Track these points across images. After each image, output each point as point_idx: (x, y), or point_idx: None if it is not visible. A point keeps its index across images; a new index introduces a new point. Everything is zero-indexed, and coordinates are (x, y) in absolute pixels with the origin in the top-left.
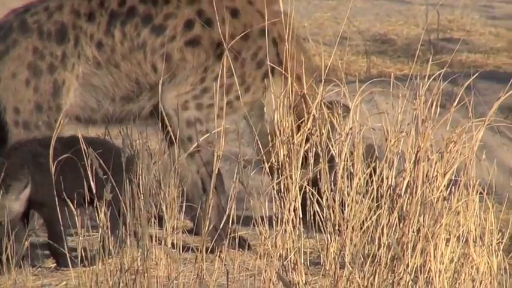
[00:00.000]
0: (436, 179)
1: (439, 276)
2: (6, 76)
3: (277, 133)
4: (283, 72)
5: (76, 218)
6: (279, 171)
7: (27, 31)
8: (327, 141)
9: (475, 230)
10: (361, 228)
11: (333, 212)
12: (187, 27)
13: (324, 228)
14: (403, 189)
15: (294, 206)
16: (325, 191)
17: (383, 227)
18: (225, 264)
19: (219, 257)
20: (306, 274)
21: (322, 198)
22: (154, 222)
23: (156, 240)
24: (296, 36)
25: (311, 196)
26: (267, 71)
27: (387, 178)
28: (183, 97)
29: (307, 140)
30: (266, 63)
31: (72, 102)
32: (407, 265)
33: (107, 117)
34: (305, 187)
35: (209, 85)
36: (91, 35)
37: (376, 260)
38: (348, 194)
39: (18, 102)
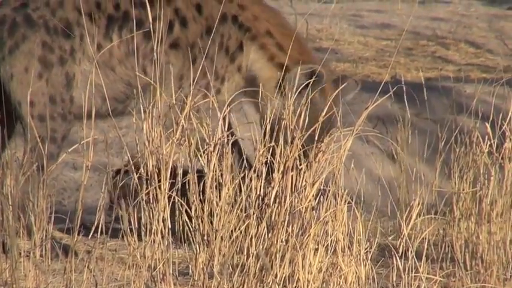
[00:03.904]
0: (305, 189)
1: (308, 286)
2: (18, 71)
3: (146, 143)
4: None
5: None
6: (148, 181)
7: (34, 26)
8: (196, 151)
9: (344, 239)
10: (229, 238)
11: (202, 222)
12: (170, 29)
13: (192, 238)
14: (272, 199)
15: (163, 217)
16: (193, 201)
17: (252, 237)
18: (93, 275)
19: (87, 267)
20: (174, 285)
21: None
22: (23, 234)
23: (24, 252)
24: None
25: (180, 206)
26: (233, 52)
27: (256, 188)
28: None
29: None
30: (232, 46)
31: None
32: (276, 275)
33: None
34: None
35: (187, 92)
36: (92, 35)
37: (244, 270)
38: (217, 204)
39: (33, 96)
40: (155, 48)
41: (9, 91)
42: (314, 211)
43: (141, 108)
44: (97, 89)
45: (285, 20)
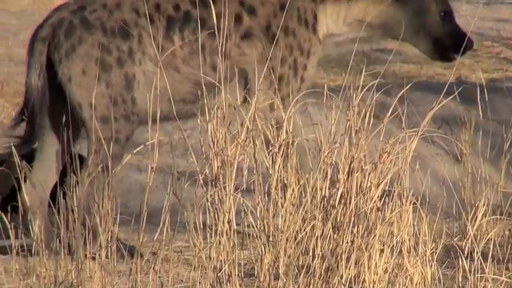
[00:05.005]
0: (370, 190)
1: (374, 287)
2: (76, 73)
3: (211, 145)
4: None
5: (10, 230)
6: (213, 182)
7: (90, 28)
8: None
9: (409, 240)
10: (295, 239)
11: (267, 223)
12: (238, 22)
13: (258, 239)
14: (337, 200)
15: (228, 218)
16: (258, 202)
17: (317, 238)
18: (159, 277)
19: (153, 269)
20: (240, 286)
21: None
22: (88, 235)
23: (90, 253)
24: None
25: (245, 207)
26: (313, 24)
27: (321, 189)
28: (265, 95)
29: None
30: (309, 19)
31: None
32: (342, 276)
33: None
34: None
35: (282, 71)
36: (153, 36)
37: (310, 271)
38: (282, 205)
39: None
40: (222, 44)
41: (69, 93)
42: (379, 212)
43: (206, 109)
44: (161, 91)
45: None
